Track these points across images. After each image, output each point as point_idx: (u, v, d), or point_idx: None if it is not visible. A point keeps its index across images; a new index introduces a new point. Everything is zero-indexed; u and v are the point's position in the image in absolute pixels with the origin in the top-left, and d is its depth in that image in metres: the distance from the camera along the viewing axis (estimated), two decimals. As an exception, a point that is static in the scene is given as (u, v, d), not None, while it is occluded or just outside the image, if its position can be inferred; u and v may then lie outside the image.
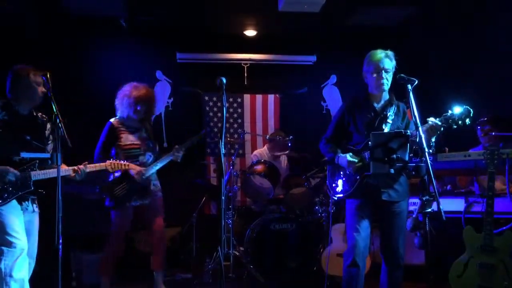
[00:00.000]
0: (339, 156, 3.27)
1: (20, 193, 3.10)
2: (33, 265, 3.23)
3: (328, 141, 3.42)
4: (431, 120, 2.98)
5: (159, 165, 4.02)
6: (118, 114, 4.10)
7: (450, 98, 3.01)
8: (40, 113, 3.33)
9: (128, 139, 4.00)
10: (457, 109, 2.94)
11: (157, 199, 4.10)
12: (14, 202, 3.09)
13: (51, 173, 3.15)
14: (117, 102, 4.08)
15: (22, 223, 3.12)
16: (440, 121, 2.96)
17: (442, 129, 2.96)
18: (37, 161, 3.17)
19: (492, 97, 4.88)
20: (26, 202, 3.17)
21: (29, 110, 3.25)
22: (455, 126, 2.95)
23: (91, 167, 3.35)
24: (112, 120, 4.06)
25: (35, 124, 3.25)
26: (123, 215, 3.99)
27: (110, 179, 4.02)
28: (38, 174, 3.14)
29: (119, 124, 4.03)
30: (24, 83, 3.16)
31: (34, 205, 3.24)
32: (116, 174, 3.97)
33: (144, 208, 4.06)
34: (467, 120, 2.92)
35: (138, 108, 3.99)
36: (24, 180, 3.09)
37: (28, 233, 3.17)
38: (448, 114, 2.96)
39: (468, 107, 2.93)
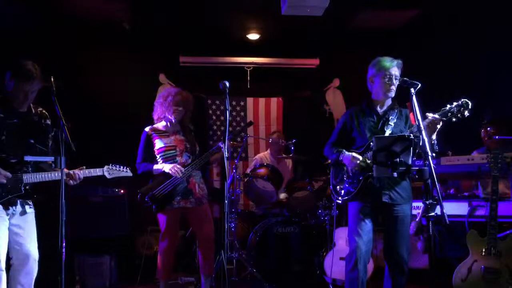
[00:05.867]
0: (343, 154, 3.28)
1: (9, 196, 2.92)
2: (35, 267, 3.07)
3: (333, 145, 3.45)
4: (430, 114, 2.99)
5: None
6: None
7: (453, 99, 3.00)
8: (39, 109, 3.14)
9: (162, 142, 3.91)
10: (456, 102, 2.96)
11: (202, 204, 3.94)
12: None
13: (44, 176, 3.00)
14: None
15: (1, 231, 2.90)
16: (439, 115, 2.97)
17: (441, 123, 2.97)
18: (31, 163, 3.01)
19: (495, 97, 4.87)
20: (14, 206, 2.96)
21: (27, 107, 3.08)
22: (454, 119, 2.96)
23: (87, 172, 3.14)
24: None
25: (39, 126, 3.11)
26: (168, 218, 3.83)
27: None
28: (30, 177, 2.98)
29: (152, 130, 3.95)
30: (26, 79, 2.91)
31: (27, 206, 3.04)
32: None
33: (188, 212, 3.92)
34: (466, 112, 2.92)
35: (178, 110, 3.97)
36: (15, 183, 2.93)
37: (18, 237, 2.99)
38: (447, 107, 2.97)
39: (466, 99, 2.93)
